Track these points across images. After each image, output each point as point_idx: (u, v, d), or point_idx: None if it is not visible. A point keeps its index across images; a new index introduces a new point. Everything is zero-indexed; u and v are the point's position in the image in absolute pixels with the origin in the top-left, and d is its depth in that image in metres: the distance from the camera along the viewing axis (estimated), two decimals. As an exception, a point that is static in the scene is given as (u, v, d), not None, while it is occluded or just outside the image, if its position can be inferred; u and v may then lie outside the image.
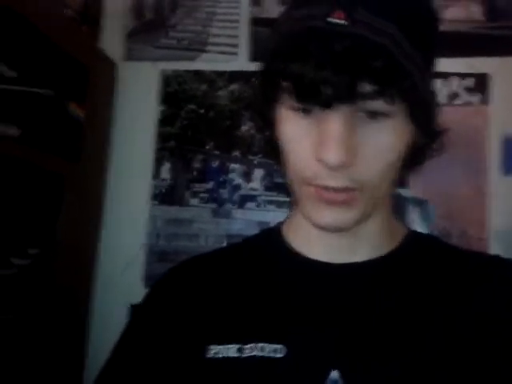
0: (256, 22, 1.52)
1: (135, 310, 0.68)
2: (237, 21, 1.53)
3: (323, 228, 0.53)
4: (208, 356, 0.55)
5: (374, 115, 0.49)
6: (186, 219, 1.46)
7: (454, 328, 0.53)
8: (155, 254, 1.45)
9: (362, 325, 0.54)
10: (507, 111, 1.37)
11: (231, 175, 1.47)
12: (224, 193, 1.46)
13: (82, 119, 1.34)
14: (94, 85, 1.40)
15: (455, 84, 1.40)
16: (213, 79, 1.51)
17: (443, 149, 0.58)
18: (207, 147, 1.49)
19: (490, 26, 1.43)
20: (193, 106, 1.51)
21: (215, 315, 0.58)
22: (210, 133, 1.49)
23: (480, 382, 0.51)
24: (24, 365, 1.12)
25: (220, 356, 0.54)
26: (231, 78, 1.50)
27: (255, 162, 1.46)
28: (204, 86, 1.51)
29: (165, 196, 1.48)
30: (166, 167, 1.49)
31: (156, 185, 1.48)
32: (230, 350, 0.54)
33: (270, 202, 1.44)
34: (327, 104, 0.47)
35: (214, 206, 1.46)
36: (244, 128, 1.48)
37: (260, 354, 0.53)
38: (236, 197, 1.46)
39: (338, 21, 0.46)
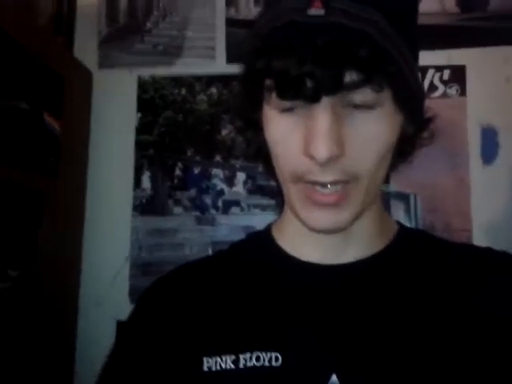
0: (232, 23, 1.50)
1: (123, 326, 0.66)
2: (213, 23, 1.52)
3: (318, 232, 0.52)
4: (204, 370, 0.53)
5: (360, 106, 0.48)
6: (170, 228, 1.44)
7: (451, 326, 0.52)
8: (139, 267, 1.42)
9: (358, 327, 0.53)
10: (485, 102, 1.38)
11: (214, 181, 1.45)
12: (207, 199, 1.44)
13: (59, 132, 1.31)
14: (70, 95, 1.37)
15: (432, 76, 1.41)
16: (191, 83, 1.49)
17: (433, 137, 0.58)
18: (188, 153, 1.47)
19: (464, 17, 1.43)
20: (170, 113, 1.49)
21: (207, 325, 0.57)
22: (190, 139, 1.47)
23: (479, 380, 0.50)
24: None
25: (216, 369, 0.53)
26: (209, 82, 1.48)
27: (237, 165, 1.45)
28: (182, 91, 1.49)
29: (146, 206, 1.46)
30: (146, 176, 1.47)
31: (136, 196, 1.46)
32: (225, 362, 0.53)
33: (255, 206, 1.43)
34: (313, 98, 0.46)
35: (197, 213, 1.44)
36: (224, 132, 1.46)
37: (256, 363, 0.52)
38: (219, 202, 1.44)
39: (317, 12, 0.44)
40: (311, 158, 0.47)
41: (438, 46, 1.39)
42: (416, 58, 0.53)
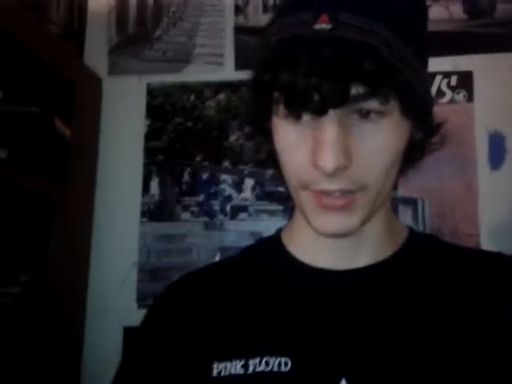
0: (240, 30, 1.52)
1: (135, 332, 0.66)
2: (222, 30, 1.53)
3: (328, 236, 0.53)
4: (213, 375, 0.54)
5: (367, 115, 0.48)
6: (178, 234, 1.44)
7: (463, 331, 0.52)
8: (147, 273, 1.43)
9: (368, 332, 0.53)
10: (492, 107, 1.38)
11: (222, 186, 1.46)
12: (215, 205, 1.45)
13: (69, 137, 1.33)
14: (81, 102, 1.38)
15: (439, 82, 1.41)
16: (199, 90, 1.50)
17: (443, 142, 0.58)
18: (196, 159, 1.48)
19: (471, 24, 1.44)
20: (180, 119, 1.50)
21: (218, 331, 0.57)
22: (199, 145, 1.48)
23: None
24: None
25: (225, 374, 0.53)
26: (218, 88, 1.50)
27: (246, 171, 1.45)
28: (191, 98, 1.50)
29: (154, 212, 1.46)
30: (155, 182, 1.48)
31: (144, 201, 1.47)
32: (235, 367, 0.53)
33: (263, 212, 1.43)
34: (320, 111, 0.47)
35: (205, 219, 1.44)
36: (233, 138, 1.47)
37: (266, 369, 0.52)
38: (228, 208, 1.45)
39: (323, 26, 0.45)
40: (318, 168, 0.48)
41: (446, 52, 1.40)
42: (425, 65, 0.53)
